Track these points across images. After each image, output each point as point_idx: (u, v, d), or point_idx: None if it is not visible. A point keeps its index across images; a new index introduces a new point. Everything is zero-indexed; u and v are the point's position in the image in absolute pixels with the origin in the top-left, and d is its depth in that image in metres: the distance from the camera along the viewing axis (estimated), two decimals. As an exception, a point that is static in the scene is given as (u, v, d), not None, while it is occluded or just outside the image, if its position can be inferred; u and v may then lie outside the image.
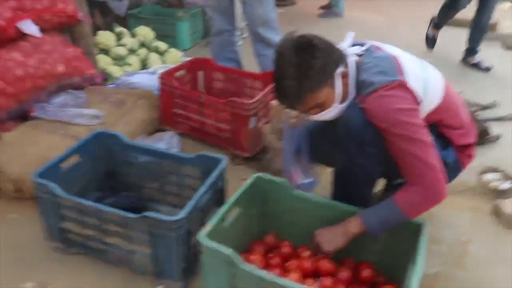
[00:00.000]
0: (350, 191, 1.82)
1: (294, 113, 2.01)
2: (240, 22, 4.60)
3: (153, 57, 3.85)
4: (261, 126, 2.65)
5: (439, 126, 1.79)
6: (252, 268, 1.46)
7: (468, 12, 4.24)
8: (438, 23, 4.46)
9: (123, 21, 4.47)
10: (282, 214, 1.92)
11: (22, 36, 2.56)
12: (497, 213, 2.29)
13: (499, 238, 2.17)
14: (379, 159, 1.69)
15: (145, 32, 4.05)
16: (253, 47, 3.21)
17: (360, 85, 1.66)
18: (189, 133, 2.80)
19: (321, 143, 1.96)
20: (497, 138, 2.86)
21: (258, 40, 3.11)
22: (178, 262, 1.76)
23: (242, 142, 2.61)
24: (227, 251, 1.47)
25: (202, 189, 1.80)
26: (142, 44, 3.98)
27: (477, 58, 4.21)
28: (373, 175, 1.77)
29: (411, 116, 1.56)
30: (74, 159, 2.09)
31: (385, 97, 1.56)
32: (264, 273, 1.44)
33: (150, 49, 3.96)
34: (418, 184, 1.58)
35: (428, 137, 1.58)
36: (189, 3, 4.76)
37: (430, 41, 4.56)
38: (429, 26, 4.54)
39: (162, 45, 4.01)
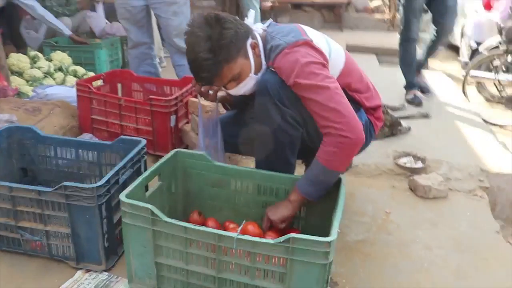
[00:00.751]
0: (272, 157, 1.83)
1: (208, 105, 2.07)
2: (160, 51, 4.70)
3: (71, 80, 3.78)
4: (182, 126, 2.66)
5: (349, 91, 1.89)
6: (174, 220, 1.43)
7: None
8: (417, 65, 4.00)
9: (38, 48, 4.38)
10: (205, 189, 1.90)
11: None
12: (413, 186, 2.42)
13: (416, 207, 2.29)
14: (297, 120, 1.74)
15: (61, 57, 3.99)
16: (171, 58, 3.26)
17: (269, 52, 1.74)
18: (109, 139, 2.72)
19: (235, 131, 2.01)
20: (408, 129, 3.07)
21: (175, 51, 3.16)
22: (100, 240, 1.68)
23: (164, 142, 2.59)
24: (148, 205, 1.43)
25: (121, 163, 1.76)
26: (59, 69, 3.90)
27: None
28: (293, 137, 1.79)
29: (316, 68, 1.63)
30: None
31: (291, 53, 1.65)
32: (186, 223, 1.42)
33: (68, 73, 3.89)
34: (332, 133, 1.60)
35: (335, 85, 1.64)
36: (107, 33, 4.76)
37: (417, 100, 3.80)
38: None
39: (80, 69, 3.96)
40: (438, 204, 2.32)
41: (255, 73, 1.74)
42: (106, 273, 1.72)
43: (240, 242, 1.36)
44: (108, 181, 1.64)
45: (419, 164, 2.63)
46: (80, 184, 1.59)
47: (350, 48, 6.05)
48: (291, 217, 1.72)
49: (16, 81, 3.43)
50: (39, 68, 3.69)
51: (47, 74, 3.73)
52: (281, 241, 1.32)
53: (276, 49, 1.69)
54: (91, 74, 3.97)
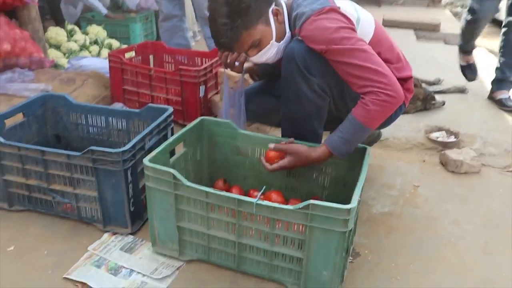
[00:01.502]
0: (299, 127, 1.82)
1: (234, 76, 2.06)
2: (193, 25, 4.71)
3: (106, 53, 3.82)
4: (211, 96, 2.67)
5: None
6: (196, 185, 1.45)
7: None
8: (464, 45, 3.49)
9: (75, 23, 4.46)
10: (230, 157, 1.91)
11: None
12: (444, 161, 2.36)
13: (446, 181, 2.23)
14: (324, 89, 1.72)
15: (97, 30, 4.07)
16: (202, 31, 3.26)
17: (294, 20, 1.71)
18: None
19: (262, 101, 2.02)
20: (442, 103, 2.98)
21: (205, 23, 3.15)
22: (125, 204, 1.72)
23: (193, 112, 2.61)
24: (170, 170, 1.46)
25: (147, 129, 1.79)
26: (95, 42, 3.98)
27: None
28: (320, 107, 1.77)
29: (347, 32, 1.59)
30: (19, 118, 2.04)
31: (319, 20, 1.61)
32: (208, 188, 1.43)
33: (103, 46, 3.96)
34: (371, 92, 1.56)
35: (368, 47, 1.61)
36: (142, 8, 4.80)
37: (468, 71, 3.50)
38: (459, 55, 3.60)
39: (115, 42, 4.02)
40: (470, 179, 2.26)
41: (277, 41, 1.72)
42: (132, 236, 1.76)
43: (260, 208, 1.37)
44: (133, 147, 1.67)
45: (452, 139, 2.56)
46: (107, 149, 1.62)
47: (387, 23, 5.89)
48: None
49: (53, 54, 3.52)
50: (75, 41, 3.78)
51: (83, 47, 3.81)
52: (301, 207, 1.32)
53: (302, 16, 1.65)
54: (125, 46, 4.03)
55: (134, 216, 1.78)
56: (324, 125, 1.89)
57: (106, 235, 1.77)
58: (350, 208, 1.28)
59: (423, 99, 2.87)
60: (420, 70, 3.93)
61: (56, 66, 3.37)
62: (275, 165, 1.68)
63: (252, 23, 1.63)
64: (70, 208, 1.83)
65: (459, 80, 3.65)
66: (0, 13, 2.78)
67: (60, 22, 4.56)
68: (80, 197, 1.77)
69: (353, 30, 1.63)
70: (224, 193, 1.42)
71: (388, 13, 6.73)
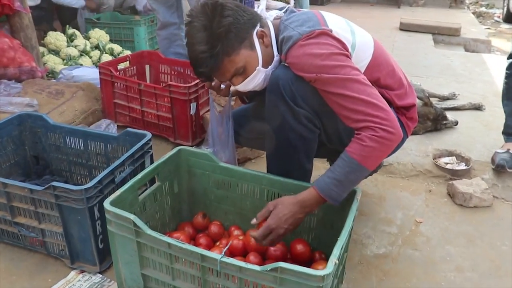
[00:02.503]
0: (284, 161, 1.64)
1: (222, 100, 1.90)
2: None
3: (106, 58, 3.72)
4: (203, 114, 2.52)
5: (377, 87, 1.65)
6: (158, 234, 1.30)
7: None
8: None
9: (77, 26, 4.38)
10: (210, 190, 1.76)
11: None
12: (451, 192, 2.17)
13: (453, 216, 2.04)
14: (313, 121, 1.54)
15: (99, 34, 3.95)
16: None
17: (281, 44, 1.53)
18: (131, 124, 2.64)
19: (249, 125, 1.85)
20: (455, 123, 2.76)
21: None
22: (92, 242, 1.59)
23: (184, 130, 2.46)
24: (130, 215, 1.31)
25: (118, 161, 1.64)
26: (96, 47, 3.87)
27: None
28: (308, 140, 1.60)
29: (338, 60, 1.41)
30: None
31: (307, 45, 1.42)
32: (170, 239, 1.28)
33: (104, 51, 3.84)
34: (367, 128, 1.38)
35: (363, 77, 1.42)
36: (148, 9, 4.67)
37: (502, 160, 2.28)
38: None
39: (116, 47, 3.90)
40: (479, 215, 2.06)
41: (264, 66, 1.53)
42: (100, 276, 1.63)
43: (225, 265, 1.22)
44: (100, 182, 1.53)
45: (462, 166, 2.36)
46: (69, 186, 1.49)
47: (404, 27, 5.66)
48: (298, 225, 1.47)
49: (51, 60, 3.42)
50: (75, 46, 3.67)
51: (84, 52, 3.70)
52: (268, 269, 1.15)
53: (289, 40, 1.47)
54: (128, 52, 3.92)
55: (103, 254, 1.65)
56: (318, 154, 1.72)
57: (73, 273, 1.65)
58: (324, 275, 1.11)
59: (433, 119, 2.66)
60: (434, 81, 3.73)
61: (52, 73, 3.27)
62: (261, 229, 1.41)
63: (234, 48, 1.45)
64: (37, 242, 1.70)
65: (476, 92, 3.43)
66: (-11, 21, 2.67)
67: (65, 23, 4.48)
68: (46, 232, 1.64)
69: (347, 56, 1.45)
70: (186, 245, 1.26)
71: (406, 15, 6.47)
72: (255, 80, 1.54)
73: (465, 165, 2.36)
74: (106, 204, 1.36)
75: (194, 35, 1.43)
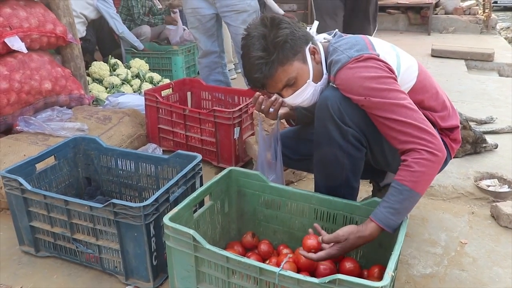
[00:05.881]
0: (332, 179, 1.69)
1: (265, 125, 1.98)
2: (235, 57, 4.70)
3: (147, 86, 3.87)
4: (246, 138, 2.60)
5: (421, 109, 1.70)
6: (216, 248, 1.36)
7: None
8: None
9: (119, 56, 4.58)
10: (259, 210, 1.81)
11: (9, 52, 2.59)
12: (495, 214, 2.16)
13: (498, 238, 2.03)
14: (360, 140, 1.60)
15: (139, 64, 4.12)
16: (241, 69, 3.21)
17: (329, 66, 1.61)
18: (175, 149, 2.72)
19: (297, 147, 1.92)
20: (495, 146, 2.76)
21: (243, 60, 3.11)
22: (147, 258, 1.65)
23: (227, 154, 2.54)
24: (190, 231, 1.37)
25: (172, 180, 1.72)
26: (137, 75, 4.03)
27: None
28: (355, 159, 1.64)
29: (386, 83, 1.47)
30: (50, 162, 2.04)
31: (355, 68, 1.49)
32: (229, 253, 1.34)
33: (144, 79, 4.00)
34: (413, 150, 1.43)
35: (409, 101, 1.48)
36: (185, 39, 4.85)
37: None
38: None
39: (156, 76, 4.06)
40: (523, 236, 2.05)
41: (314, 81, 1.61)
42: (154, 292, 1.69)
43: (283, 278, 1.26)
44: (156, 200, 1.61)
45: (505, 188, 2.35)
46: (128, 203, 1.57)
47: (436, 53, 5.68)
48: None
49: (95, 88, 3.59)
50: (117, 75, 3.84)
51: (125, 81, 3.86)
52: (326, 282, 1.19)
53: (338, 63, 1.54)
54: (167, 80, 4.08)
55: (157, 270, 1.71)
56: (363, 174, 1.76)
57: (127, 289, 1.71)
58: (382, 287, 1.14)
59: (472, 142, 2.67)
60: (470, 106, 3.73)
61: (97, 101, 3.42)
62: (322, 254, 1.45)
63: (288, 58, 1.53)
64: (93, 258, 1.78)
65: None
66: (45, 52, 2.84)
67: (106, 54, 4.69)
68: (103, 248, 1.72)
69: (394, 80, 1.51)
70: (245, 259, 1.31)
71: (437, 41, 6.49)
72: (305, 93, 1.61)
73: (508, 187, 2.35)
74: (166, 220, 1.43)
75: (252, 43, 1.52)
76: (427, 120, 1.49)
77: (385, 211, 1.44)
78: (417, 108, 1.49)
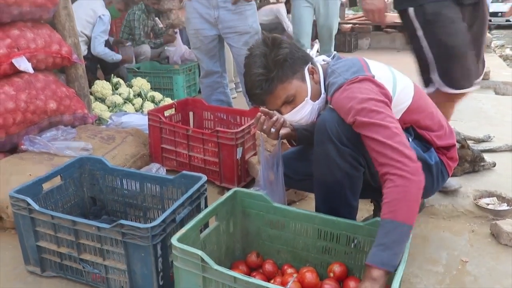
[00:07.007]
0: (332, 198, 1.74)
1: (272, 141, 2.03)
2: (236, 77, 4.76)
3: (148, 105, 3.93)
4: (248, 158, 2.63)
5: (417, 128, 1.76)
6: (224, 268, 1.38)
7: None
8: None
9: (120, 75, 4.64)
10: (263, 230, 1.84)
11: (16, 72, 2.63)
12: (495, 232, 2.19)
13: (498, 256, 2.05)
14: (358, 160, 1.64)
15: (141, 83, 4.18)
16: (242, 88, 3.27)
17: (327, 87, 1.69)
18: (178, 168, 2.78)
19: (298, 167, 1.96)
20: (493, 164, 2.80)
21: (245, 80, 3.16)
22: (154, 278, 1.67)
23: (230, 174, 2.57)
24: (198, 251, 1.40)
25: (178, 201, 1.75)
26: (138, 94, 4.08)
27: None
28: (353, 178, 1.69)
29: (376, 105, 1.51)
30: (56, 182, 2.07)
31: (349, 89, 1.56)
32: (236, 273, 1.36)
33: (146, 98, 4.05)
34: (387, 178, 1.46)
35: (395, 125, 1.51)
36: (186, 59, 4.92)
37: None
38: None
39: (157, 95, 4.11)
40: (524, 254, 2.08)
41: (312, 99, 1.69)
42: (160, 312, 1.71)
43: (290, 298, 1.29)
44: (164, 221, 1.64)
45: (504, 206, 2.38)
46: (136, 224, 1.60)
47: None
48: None
49: (98, 107, 3.63)
50: (120, 94, 3.88)
51: (127, 100, 3.91)
52: (333, 302, 1.22)
53: (335, 84, 1.62)
54: (168, 99, 4.12)
55: (164, 290, 1.73)
56: (364, 194, 1.81)
57: (133, 309, 1.73)
58: (388, 308, 1.17)
59: (471, 161, 2.71)
60: (467, 124, 3.78)
61: (99, 119, 3.46)
62: None
63: (287, 76, 1.62)
64: (99, 278, 1.80)
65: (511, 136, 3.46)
66: (50, 71, 2.89)
67: (108, 74, 4.75)
68: (109, 268, 1.74)
69: (385, 103, 1.56)
70: (252, 279, 1.34)
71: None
72: (303, 111, 1.69)
73: (507, 206, 2.39)
74: (174, 240, 1.45)
75: (253, 61, 1.62)
76: (408, 146, 1.50)
77: (375, 250, 1.43)
78: (402, 133, 1.52)
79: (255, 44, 1.67)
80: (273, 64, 1.60)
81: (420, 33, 2.14)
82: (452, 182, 2.51)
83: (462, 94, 2.27)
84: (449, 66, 2.15)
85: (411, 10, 2.12)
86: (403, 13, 2.18)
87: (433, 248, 2.13)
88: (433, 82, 2.21)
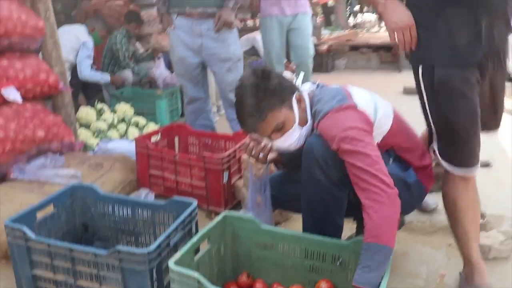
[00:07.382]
0: (319, 219, 1.85)
1: (258, 165, 2.14)
2: (218, 100, 4.87)
3: (133, 131, 3.99)
4: (234, 182, 2.72)
5: (397, 150, 1.90)
6: (220, 289, 1.46)
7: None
8: None
9: (104, 100, 4.70)
10: (253, 251, 1.93)
11: (5, 102, 2.68)
12: (470, 247, 2.31)
13: (474, 270, 2.17)
14: (343, 181, 1.75)
15: (124, 108, 4.24)
16: (225, 113, 3.38)
17: (315, 114, 1.82)
18: (165, 194, 2.82)
19: (285, 189, 2.08)
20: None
21: (229, 105, 3.27)
22: (150, 302, 1.74)
23: (217, 198, 2.65)
24: (195, 274, 1.48)
25: (172, 226, 1.83)
26: (122, 120, 4.14)
27: None
28: (339, 199, 1.81)
29: (359, 134, 1.64)
30: (49, 210, 2.11)
31: (334, 117, 1.70)
32: (232, 294, 1.45)
33: (130, 124, 4.11)
34: (367, 204, 1.58)
35: (376, 153, 1.64)
36: (168, 83, 5.01)
37: None
38: None
39: (141, 120, 4.17)
40: (499, 266, 2.20)
41: (300, 126, 1.81)
42: (156, 335, 1.76)
43: (283, 316, 1.37)
44: (159, 246, 1.71)
45: (480, 221, 2.51)
46: (133, 249, 1.67)
47: (408, 91, 5.96)
48: None
49: (83, 134, 3.67)
50: (104, 120, 3.94)
51: (111, 126, 3.97)
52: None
53: (320, 112, 1.75)
54: (152, 124, 4.19)
55: (160, 314, 1.79)
56: (348, 213, 1.92)
57: (130, 333, 1.78)
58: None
59: (445, 178, 2.85)
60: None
61: (85, 146, 3.50)
62: None
63: (277, 105, 1.75)
64: (96, 304, 1.85)
65: (483, 150, 3.61)
66: (37, 100, 2.94)
67: (90, 99, 4.80)
68: (106, 294, 1.80)
69: (367, 132, 1.69)
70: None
71: (408, 78, 6.77)
72: (292, 137, 1.81)
73: (481, 219, 2.51)
74: (171, 264, 1.53)
75: (245, 92, 1.74)
76: (387, 173, 1.63)
77: (361, 272, 1.54)
78: (381, 161, 1.65)
79: (245, 75, 1.80)
80: (263, 94, 1.72)
81: (425, 98, 1.86)
82: (429, 201, 2.65)
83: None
84: (450, 145, 1.88)
85: (420, 68, 1.85)
86: (415, 68, 1.91)
87: (413, 262, 2.24)
88: (435, 151, 1.94)
